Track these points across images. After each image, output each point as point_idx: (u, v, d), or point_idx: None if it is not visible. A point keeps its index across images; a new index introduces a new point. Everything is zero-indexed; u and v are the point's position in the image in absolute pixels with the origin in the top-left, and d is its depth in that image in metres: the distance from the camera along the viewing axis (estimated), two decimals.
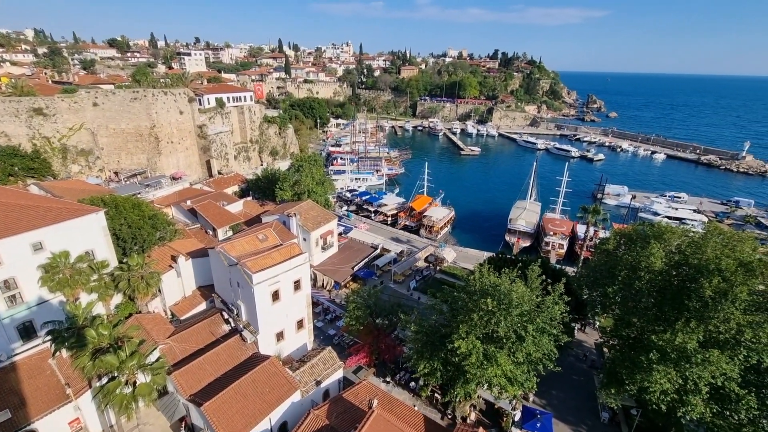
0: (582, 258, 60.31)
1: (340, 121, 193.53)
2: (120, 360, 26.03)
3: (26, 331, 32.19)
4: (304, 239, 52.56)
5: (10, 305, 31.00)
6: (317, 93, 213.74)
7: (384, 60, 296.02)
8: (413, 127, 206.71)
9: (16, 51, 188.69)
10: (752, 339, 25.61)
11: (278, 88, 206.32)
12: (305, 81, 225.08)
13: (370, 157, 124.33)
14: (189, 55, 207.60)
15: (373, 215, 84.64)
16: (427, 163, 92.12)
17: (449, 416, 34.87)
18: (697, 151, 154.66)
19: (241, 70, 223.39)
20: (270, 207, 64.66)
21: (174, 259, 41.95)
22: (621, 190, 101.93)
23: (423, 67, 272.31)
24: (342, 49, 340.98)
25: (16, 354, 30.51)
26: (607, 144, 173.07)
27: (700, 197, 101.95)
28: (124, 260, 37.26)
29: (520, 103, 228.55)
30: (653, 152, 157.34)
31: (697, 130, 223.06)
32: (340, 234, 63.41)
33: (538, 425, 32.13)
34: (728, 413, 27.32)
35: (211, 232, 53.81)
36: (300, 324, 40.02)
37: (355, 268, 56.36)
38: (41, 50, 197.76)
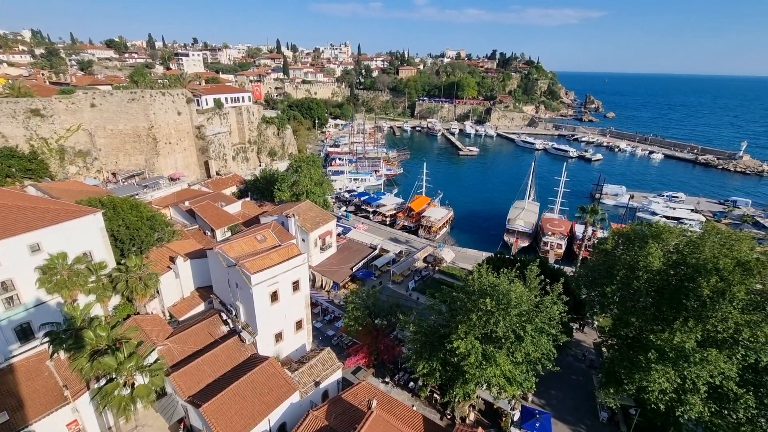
0: (580, 258, 60.41)
1: (338, 121, 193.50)
2: (118, 361, 25.96)
3: (24, 333, 32.10)
4: (303, 240, 52.53)
5: (8, 307, 30.91)
6: (315, 93, 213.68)
7: (382, 60, 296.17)
8: (412, 127, 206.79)
9: (13, 52, 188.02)
10: (750, 338, 25.68)
11: (276, 88, 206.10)
12: (303, 81, 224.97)
13: (369, 157, 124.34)
14: (187, 55, 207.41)
15: (371, 216, 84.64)
16: (425, 164, 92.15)
17: (448, 416, 34.87)
18: (695, 150, 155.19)
19: (239, 70, 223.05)
20: (268, 208, 64.63)
21: (172, 260, 41.86)
22: (619, 189, 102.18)
23: (421, 67, 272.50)
24: (340, 49, 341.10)
25: (14, 356, 30.35)
26: (605, 144, 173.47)
27: (698, 197, 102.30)
28: (122, 261, 37.18)
29: (519, 104, 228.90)
30: (651, 152, 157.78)
31: (695, 130, 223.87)
32: (338, 234, 63.40)
33: (537, 425, 32.17)
34: (726, 412, 27.39)
35: (209, 233, 53.74)
36: (299, 325, 39.98)
37: (354, 269, 56.35)
38: (38, 51, 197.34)
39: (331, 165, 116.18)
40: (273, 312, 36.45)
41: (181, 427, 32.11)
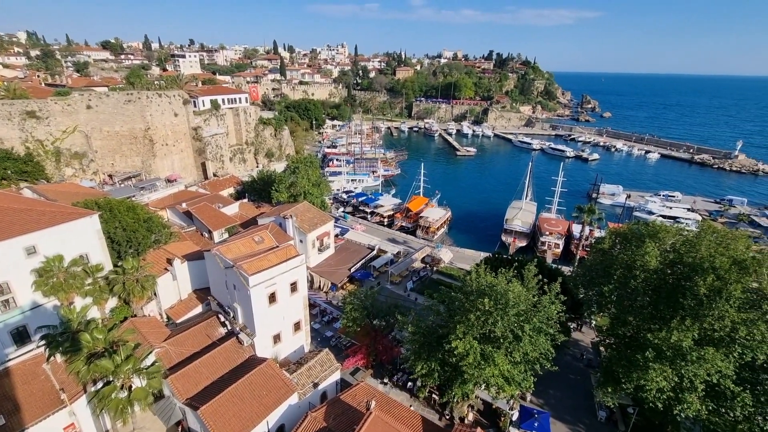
0: (578, 257, 60.60)
1: (335, 122, 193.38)
2: (115, 364, 25.84)
3: (20, 336, 31.87)
4: (301, 241, 52.46)
5: (4, 310, 30.69)
6: (313, 94, 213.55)
7: (379, 61, 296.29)
8: (409, 128, 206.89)
9: (8, 54, 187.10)
10: (746, 336, 25.81)
11: (273, 89, 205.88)
12: (300, 82, 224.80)
13: (366, 158, 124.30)
14: (183, 57, 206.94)
15: (369, 216, 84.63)
16: (423, 164, 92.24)
17: (447, 417, 34.88)
18: (691, 150, 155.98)
19: (236, 71, 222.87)
20: (266, 209, 64.53)
21: (169, 262, 41.68)
22: (616, 189, 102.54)
23: (418, 68, 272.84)
24: (337, 50, 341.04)
25: (10, 359, 30.15)
26: (601, 144, 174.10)
27: (694, 196, 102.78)
28: (119, 263, 37.00)
29: (515, 104, 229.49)
30: (647, 152, 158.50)
31: (691, 129, 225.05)
32: (336, 235, 63.35)
33: (536, 425, 32.21)
34: (724, 410, 27.54)
35: (206, 235, 53.58)
36: (297, 326, 39.90)
37: (352, 270, 56.32)
38: (34, 53, 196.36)
39: (328, 166, 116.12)
40: (271, 313, 36.37)
41: (179, 429, 31.99)
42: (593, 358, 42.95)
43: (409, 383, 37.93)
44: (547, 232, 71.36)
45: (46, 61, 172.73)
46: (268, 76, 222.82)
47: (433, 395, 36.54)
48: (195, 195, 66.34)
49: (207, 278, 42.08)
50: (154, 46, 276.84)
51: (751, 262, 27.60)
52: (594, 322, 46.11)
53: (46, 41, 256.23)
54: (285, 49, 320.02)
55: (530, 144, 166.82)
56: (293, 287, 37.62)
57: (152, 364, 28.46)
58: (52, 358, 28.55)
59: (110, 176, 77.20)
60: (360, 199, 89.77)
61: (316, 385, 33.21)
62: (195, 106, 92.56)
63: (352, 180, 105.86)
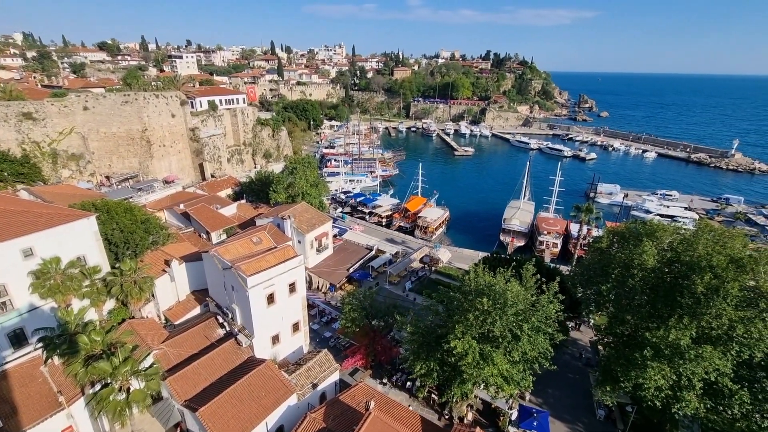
0: (576, 256, 60.73)
1: (333, 122, 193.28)
2: (113, 366, 25.74)
3: (17, 339, 31.69)
4: (299, 241, 52.40)
5: (1, 312, 30.53)
6: (310, 95, 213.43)
7: (377, 61, 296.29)
8: (407, 128, 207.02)
9: (4, 55, 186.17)
10: (744, 334, 25.90)
11: (271, 90, 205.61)
12: (298, 83, 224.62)
13: (364, 158, 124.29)
14: (180, 57, 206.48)
15: (367, 217, 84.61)
16: (421, 164, 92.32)
17: (446, 417, 34.89)
18: (688, 149, 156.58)
19: (233, 72, 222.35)
20: (264, 210, 64.43)
21: (167, 263, 41.58)
22: (613, 188, 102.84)
23: (416, 68, 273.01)
24: (335, 50, 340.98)
25: (7, 362, 30.04)
26: (599, 143, 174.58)
27: (691, 195, 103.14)
28: (117, 265, 36.89)
29: (513, 104, 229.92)
30: (644, 151, 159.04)
31: (688, 128, 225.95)
32: (334, 236, 63.29)
33: (535, 424, 32.24)
34: (722, 408, 27.66)
35: (204, 236, 53.47)
36: (295, 327, 39.84)
37: (351, 270, 56.29)
38: (30, 54, 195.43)
39: (326, 166, 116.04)
40: (269, 314, 36.31)
41: (178, 431, 31.89)
42: (592, 357, 43.04)
43: (408, 383, 37.91)
44: (545, 232, 71.50)
45: (43, 63, 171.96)
46: (266, 77, 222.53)
47: (432, 395, 36.54)
48: (193, 196, 66.21)
49: (205, 279, 41.99)
50: (151, 47, 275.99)
51: (748, 260, 27.67)
52: (592, 321, 46.22)
53: (43, 42, 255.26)
54: (282, 50, 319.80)
55: (528, 144, 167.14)
56: (292, 288, 37.57)
57: (150, 366, 28.35)
58: (49, 360, 28.43)
59: (107, 178, 76.94)
60: (358, 200, 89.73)
61: (315, 385, 33.18)
62: (192, 107, 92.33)
63: (350, 180, 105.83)
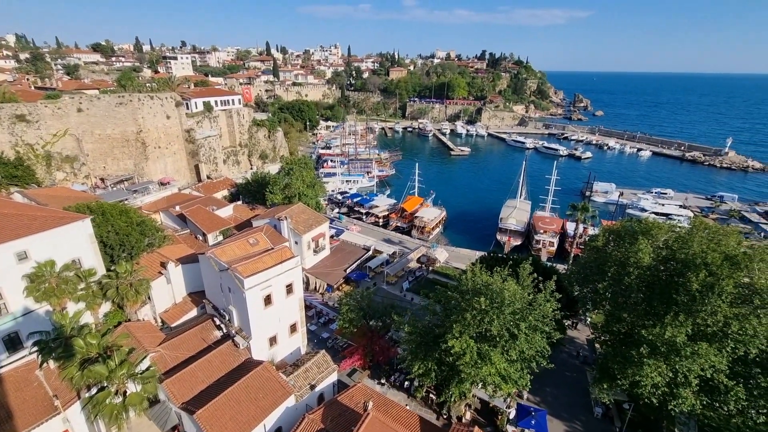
0: (572, 255, 61.01)
1: (329, 123, 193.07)
2: (109, 369, 25.57)
3: (12, 343, 31.46)
4: (296, 242, 52.29)
5: None
6: (306, 95, 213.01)
7: (372, 62, 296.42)
8: (403, 128, 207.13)
9: None
10: (739, 331, 26.07)
11: (267, 91, 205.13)
12: (294, 84, 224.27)
13: (361, 159, 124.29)
14: (175, 58, 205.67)
15: (364, 217, 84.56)
16: (417, 164, 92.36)
17: (445, 416, 34.92)
18: (682, 147, 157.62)
19: (228, 73, 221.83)
20: (260, 211, 64.23)
21: (163, 265, 41.38)
22: (609, 187, 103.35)
23: (411, 68, 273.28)
24: (330, 51, 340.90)
25: (2, 366, 29.71)
26: (594, 142, 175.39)
27: (686, 193, 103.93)
28: (112, 268, 36.66)
29: (509, 103, 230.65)
30: (639, 149, 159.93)
31: (682, 127, 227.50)
32: (331, 236, 63.21)
33: (533, 422, 32.33)
34: (718, 405, 27.84)
35: (201, 238, 53.24)
36: (293, 328, 39.75)
37: (348, 271, 56.24)
38: (23, 56, 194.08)
39: (323, 167, 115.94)
40: (267, 316, 36.22)
41: None
42: (589, 355, 43.23)
43: (407, 383, 37.89)
44: (542, 231, 71.74)
45: (36, 64, 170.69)
46: (261, 78, 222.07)
47: (431, 395, 36.56)
48: (188, 198, 65.93)
49: (202, 281, 41.82)
50: (146, 48, 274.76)
51: (742, 257, 27.86)
52: (589, 320, 46.43)
53: (36, 44, 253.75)
54: (278, 51, 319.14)
55: (524, 143, 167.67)
56: (289, 289, 37.49)
57: (147, 369, 28.20)
58: (45, 364, 28.16)
59: (102, 180, 76.47)
60: (355, 200, 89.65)
61: (313, 387, 33.11)
62: (187, 108, 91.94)
63: (346, 181, 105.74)
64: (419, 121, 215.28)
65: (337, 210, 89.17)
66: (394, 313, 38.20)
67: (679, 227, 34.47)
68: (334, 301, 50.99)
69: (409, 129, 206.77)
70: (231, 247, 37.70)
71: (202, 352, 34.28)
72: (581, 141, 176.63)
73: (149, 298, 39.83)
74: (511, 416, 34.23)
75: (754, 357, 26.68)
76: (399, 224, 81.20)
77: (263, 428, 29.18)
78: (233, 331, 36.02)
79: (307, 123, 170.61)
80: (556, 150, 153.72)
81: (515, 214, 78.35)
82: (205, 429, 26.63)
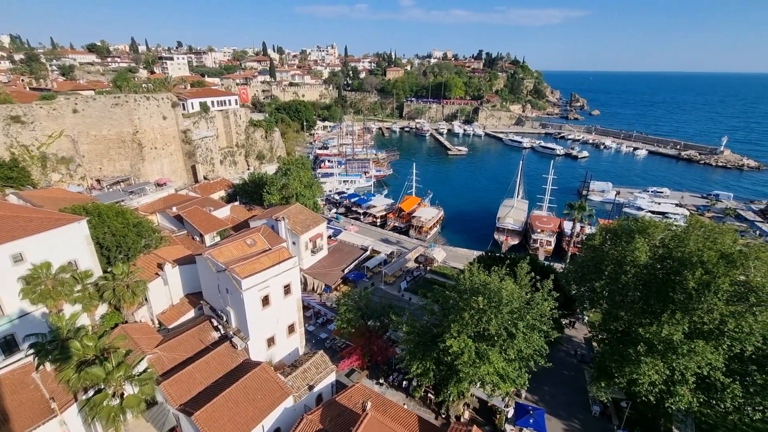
0: (569, 254, 61.15)
1: (326, 123, 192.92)
2: (106, 371, 25.44)
3: (8, 345, 31.23)
4: (294, 243, 52.21)
5: None
6: (303, 96, 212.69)
7: (369, 62, 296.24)
8: (400, 128, 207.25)
9: None
10: (735, 328, 26.23)
11: (263, 91, 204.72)
12: (291, 84, 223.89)
13: (358, 159, 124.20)
14: (171, 59, 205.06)
15: (362, 217, 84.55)
16: (414, 164, 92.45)
17: (443, 416, 34.96)
18: (678, 146, 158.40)
19: (225, 73, 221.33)
20: (258, 211, 64.08)
21: (160, 266, 41.21)
22: (605, 186, 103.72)
23: (408, 68, 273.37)
24: (327, 51, 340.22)
25: None
26: (590, 141, 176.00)
27: (682, 191, 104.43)
28: (109, 269, 36.47)
29: (505, 103, 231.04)
30: (635, 148, 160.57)
31: (677, 126, 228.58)
32: (329, 237, 63.18)
33: (531, 421, 32.44)
34: (714, 402, 28.01)
35: (198, 239, 53.06)
36: (291, 329, 39.69)
37: (346, 271, 56.20)
38: (18, 56, 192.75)
39: (320, 167, 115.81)
40: (264, 316, 36.14)
41: None
42: (586, 354, 43.37)
43: (405, 383, 37.93)
44: (539, 230, 71.93)
45: (31, 65, 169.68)
46: (258, 78, 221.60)
47: (429, 394, 36.59)
48: (185, 198, 65.67)
49: (199, 282, 41.68)
50: (141, 48, 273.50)
51: (738, 255, 28.04)
52: (586, 318, 46.59)
53: (30, 45, 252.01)
54: (274, 51, 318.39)
55: (521, 142, 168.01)
56: (286, 290, 37.42)
57: (144, 371, 28.06)
58: (41, 366, 28.03)
59: (98, 181, 76.10)
60: (352, 200, 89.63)
61: (311, 387, 33.06)
62: (184, 108, 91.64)
63: (344, 181, 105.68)
64: (416, 121, 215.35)
65: (334, 210, 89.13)
66: (392, 313, 38.22)
67: (676, 226, 34.63)
68: (332, 301, 50.95)
69: (407, 129, 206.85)
70: (228, 247, 37.60)
71: (200, 354, 34.16)
72: (578, 140, 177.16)
73: (146, 299, 39.64)
74: (510, 415, 34.32)
75: (750, 354, 26.86)
76: (397, 224, 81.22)
77: (262, 429, 29.11)
78: (231, 332, 35.92)
79: (304, 123, 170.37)
80: (553, 149, 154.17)
81: (512, 213, 78.53)
82: (204, 430, 26.54)
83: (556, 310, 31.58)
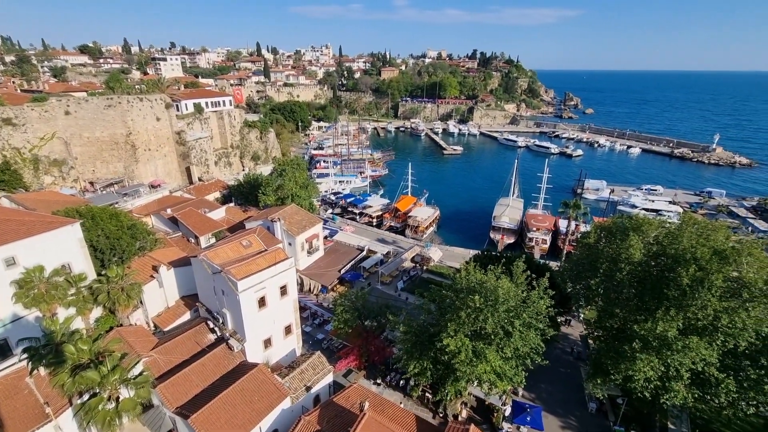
0: (565, 252, 61.51)
1: (321, 123, 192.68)
2: (101, 375, 25.24)
3: (1, 350, 30.90)
4: (290, 244, 52.08)
5: None
6: (298, 96, 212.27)
7: (364, 62, 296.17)
8: (395, 128, 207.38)
9: None
10: (728, 324, 26.48)
11: (258, 92, 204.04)
12: (285, 84, 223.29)
13: (354, 159, 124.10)
14: (164, 60, 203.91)
15: (358, 217, 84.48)
16: (410, 164, 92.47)
17: (441, 415, 35.02)
18: (670, 144, 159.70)
19: (219, 74, 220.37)
20: (253, 213, 63.84)
21: (155, 269, 40.95)
22: (600, 184, 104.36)
23: (403, 68, 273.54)
24: (321, 51, 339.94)
25: None
26: (584, 140, 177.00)
27: (675, 189, 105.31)
28: (103, 272, 36.19)
29: (500, 102, 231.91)
30: (629, 147, 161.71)
31: (670, 124, 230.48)
32: (325, 237, 63.06)
33: (528, 419, 32.61)
34: (709, 397, 28.25)
35: (193, 240, 52.77)
36: (288, 330, 39.59)
37: (342, 271, 56.13)
38: (8, 58, 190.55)
39: (315, 168, 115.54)
40: (261, 318, 36.02)
41: None
42: (582, 351, 43.62)
43: (402, 382, 37.95)
44: (535, 228, 72.21)
45: (22, 67, 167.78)
46: (252, 79, 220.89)
47: (427, 394, 36.63)
48: (180, 200, 65.26)
49: (194, 284, 41.47)
50: (134, 49, 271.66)
51: (730, 251, 28.29)
52: (582, 316, 46.82)
53: (21, 46, 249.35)
54: (269, 51, 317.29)
55: (515, 141, 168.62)
56: (283, 291, 37.32)
57: (140, 374, 27.89)
58: (35, 371, 27.73)
59: (91, 183, 75.43)
60: (348, 201, 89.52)
61: (308, 388, 33.00)
62: (178, 109, 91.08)
63: (339, 181, 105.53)
64: (411, 120, 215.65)
65: (330, 211, 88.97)
66: (389, 312, 38.26)
67: (669, 223, 34.86)
68: (329, 302, 50.86)
69: (402, 129, 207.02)
70: (224, 249, 37.45)
71: (196, 356, 34.00)
72: (572, 139, 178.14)
73: (141, 302, 39.38)
74: (507, 413, 34.46)
75: (743, 350, 27.12)
76: (393, 224, 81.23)
77: (259, 431, 29.01)
78: (227, 334, 35.77)
79: (299, 124, 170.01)
80: (548, 148, 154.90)
81: (508, 212, 78.79)
82: None
83: (552, 308, 31.71)
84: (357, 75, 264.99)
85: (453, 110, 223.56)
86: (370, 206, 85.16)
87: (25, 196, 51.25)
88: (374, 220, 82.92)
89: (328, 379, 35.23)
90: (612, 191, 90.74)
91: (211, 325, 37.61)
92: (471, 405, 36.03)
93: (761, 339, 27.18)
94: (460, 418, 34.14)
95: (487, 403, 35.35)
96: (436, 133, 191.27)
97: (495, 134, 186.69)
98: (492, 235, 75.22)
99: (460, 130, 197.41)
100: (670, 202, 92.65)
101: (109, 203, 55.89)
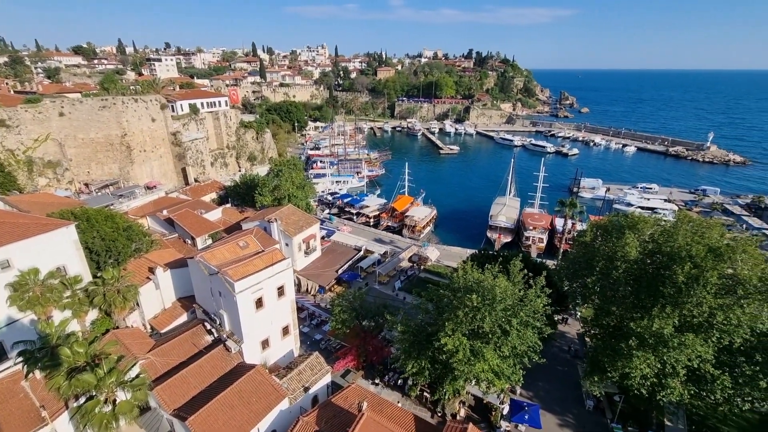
0: (561, 251, 61.68)
1: (318, 124, 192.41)
2: (98, 378, 25.06)
3: None
4: (287, 244, 51.98)
5: None
6: (294, 96, 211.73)
7: (360, 62, 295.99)
8: (392, 128, 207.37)
9: None
10: (723, 321, 26.68)
11: (254, 92, 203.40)
12: (281, 84, 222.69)
13: (350, 159, 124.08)
14: (159, 60, 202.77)
15: (355, 217, 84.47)
16: (407, 164, 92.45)
17: (439, 414, 35.07)
18: (665, 143, 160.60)
19: (214, 74, 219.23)
20: (250, 213, 63.67)
21: (152, 270, 40.76)
22: (596, 183, 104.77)
23: (399, 68, 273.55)
24: (317, 51, 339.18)
25: None
26: (580, 139, 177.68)
27: (670, 187, 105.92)
28: (99, 274, 35.99)
29: (496, 102, 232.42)
30: (624, 145, 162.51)
31: (665, 123, 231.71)
32: (322, 237, 62.97)
33: (526, 417, 32.70)
34: (705, 394, 28.43)
35: (189, 242, 52.58)
36: (285, 330, 39.51)
37: (339, 271, 56.10)
38: (1, 59, 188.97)
39: (312, 168, 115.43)
40: (258, 319, 35.92)
41: None
42: (579, 349, 43.81)
43: (400, 382, 37.99)
44: (531, 227, 72.44)
45: (15, 68, 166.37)
46: (248, 79, 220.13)
47: (425, 393, 36.68)
48: (176, 201, 65.04)
49: (191, 286, 41.30)
50: (129, 50, 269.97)
51: (725, 249, 28.47)
52: (579, 314, 46.99)
53: (14, 47, 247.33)
54: (264, 51, 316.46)
55: (512, 141, 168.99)
56: (280, 291, 37.24)
57: (137, 376, 27.70)
58: (30, 374, 27.54)
59: (86, 185, 75.00)
60: (345, 201, 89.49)
61: (306, 389, 32.95)
62: (173, 110, 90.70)
63: (336, 181, 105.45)
64: (408, 120, 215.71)
65: (327, 211, 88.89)
66: (386, 312, 38.24)
67: (665, 221, 35.04)
68: (327, 302, 50.82)
69: (398, 128, 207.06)
70: (220, 250, 37.32)
71: (193, 358, 33.88)
72: (568, 138, 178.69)
73: (138, 304, 39.21)
74: (505, 412, 34.55)
75: (738, 346, 27.33)
76: (390, 224, 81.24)
77: None
78: (224, 336, 35.64)
79: (296, 124, 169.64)
80: (544, 147, 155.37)
81: (505, 211, 78.99)
82: None
83: (549, 306, 31.83)
84: (353, 75, 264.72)
85: (449, 110, 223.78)
86: (367, 206, 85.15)
87: (20, 198, 50.90)
88: (371, 220, 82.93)
89: (327, 379, 35.20)
90: (608, 190, 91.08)
91: (209, 327, 37.47)
92: (469, 404, 36.10)
93: (756, 335, 27.44)
94: (458, 417, 34.21)
95: (485, 401, 35.42)
96: (433, 133, 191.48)
97: (491, 134, 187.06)
98: (489, 234, 75.40)
99: (456, 129, 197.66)
100: (665, 200, 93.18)
101: (105, 205, 55.60)
